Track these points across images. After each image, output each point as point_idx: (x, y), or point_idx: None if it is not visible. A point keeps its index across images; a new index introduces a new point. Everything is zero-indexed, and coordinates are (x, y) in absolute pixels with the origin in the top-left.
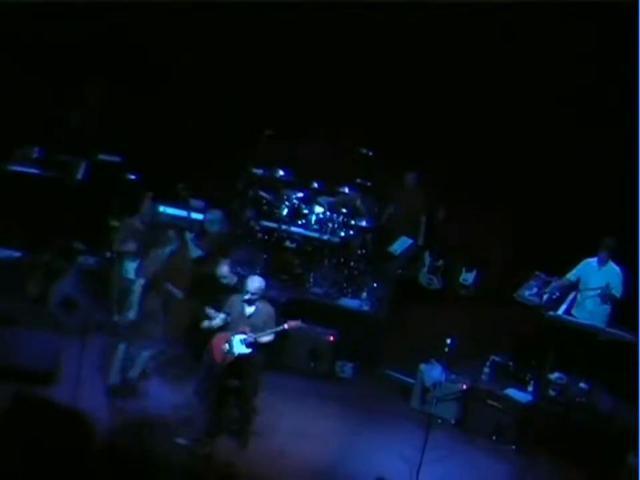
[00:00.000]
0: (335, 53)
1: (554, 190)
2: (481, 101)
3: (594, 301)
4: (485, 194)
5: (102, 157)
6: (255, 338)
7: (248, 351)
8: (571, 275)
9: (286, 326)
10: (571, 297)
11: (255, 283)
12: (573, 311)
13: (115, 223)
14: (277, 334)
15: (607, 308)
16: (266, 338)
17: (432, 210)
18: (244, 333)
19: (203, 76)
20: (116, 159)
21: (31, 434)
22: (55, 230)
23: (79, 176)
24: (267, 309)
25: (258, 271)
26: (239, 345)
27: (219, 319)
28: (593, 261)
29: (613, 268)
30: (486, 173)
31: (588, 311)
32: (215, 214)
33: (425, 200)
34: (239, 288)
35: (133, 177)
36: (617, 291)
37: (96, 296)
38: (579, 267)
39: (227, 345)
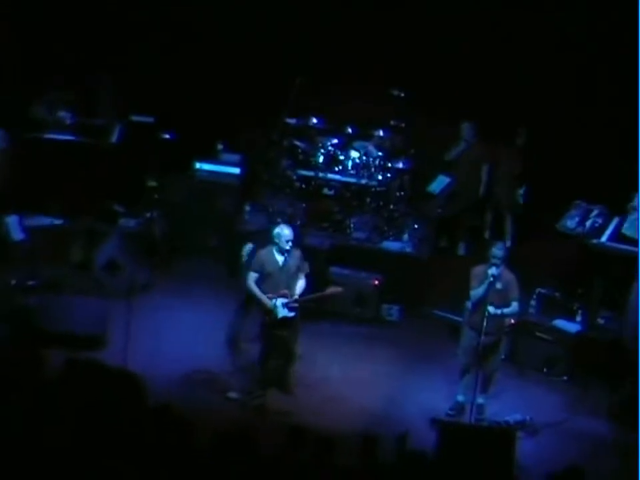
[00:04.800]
0: None
1: (598, 120)
2: (510, 40)
3: None
4: (522, 124)
5: (135, 118)
6: (296, 301)
7: (291, 314)
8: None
9: (327, 291)
10: (614, 223)
11: (287, 230)
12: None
13: (153, 183)
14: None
15: None
16: (305, 299)
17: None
18: (284, 296)
19: (231, 27)
20: (149, 119)
21: (85, 397)
22: (95, 194)
23: (114, 139)
24: (295, 252)
25: (298, 221)
26: (281, 308)
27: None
28: None
29: None
30: (521, 106)
31: None
32: None
33: (485, 152)
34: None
35: (167, 135)
36: None
37: (139, 257)
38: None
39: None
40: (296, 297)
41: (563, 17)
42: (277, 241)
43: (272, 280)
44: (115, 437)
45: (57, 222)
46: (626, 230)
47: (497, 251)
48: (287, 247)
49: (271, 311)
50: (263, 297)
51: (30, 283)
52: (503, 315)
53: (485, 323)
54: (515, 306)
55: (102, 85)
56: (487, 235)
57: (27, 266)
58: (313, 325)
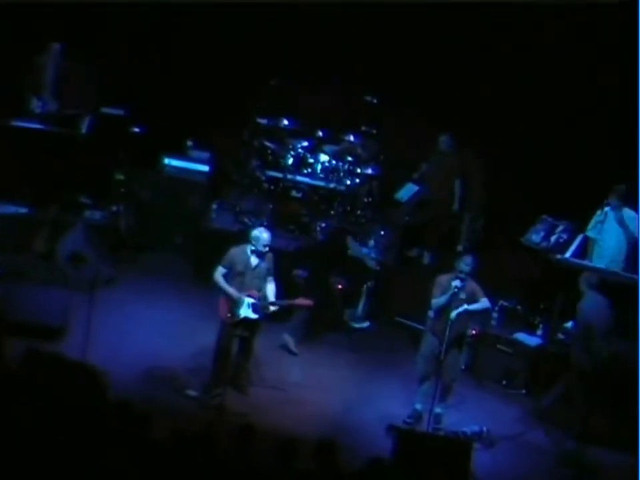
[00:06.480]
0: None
1: (560, 134)
2: (487, 46)
3: (614, 246)
4: (492, 137)
5: (105, 110)
6: (264, 305)
7: (255, 316)
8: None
9: (296, 301)
10: (578, 239)
11: (266, 234)
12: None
13: (120, 177)
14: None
15: (624, 252)
16: (274, 307)
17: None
18: (252, 296)
19: (206, 25)
20: (120, 111)
21: (43, 389)
22: (61, 185)
23: (83, 130)
24: (268, 255)
25: (265, 222)
26: (245, 309)
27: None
28: (608, 209)
29: (629, 214)
30: (492, 118)
31: (609, 259)
32: None
33: (459, 164)
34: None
35: (137, 129)
36: None
37: (103, 250)
38: (596, 219)
39: (233, 306)
40: (271, 299)
41: (541, 28)
42: (254, 243)
43: (241, 279)
44: (72, 429)
45: (22, 210)
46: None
47: (465, 265)
48: (264, 251)
49: (234, 310)
50: (230, 290)
51: None
52: (474, 311)
53: (447, 332)
54: (485, 301)
55: (74, 74)
56: (460, 247)
57: None
58: (274, 327)
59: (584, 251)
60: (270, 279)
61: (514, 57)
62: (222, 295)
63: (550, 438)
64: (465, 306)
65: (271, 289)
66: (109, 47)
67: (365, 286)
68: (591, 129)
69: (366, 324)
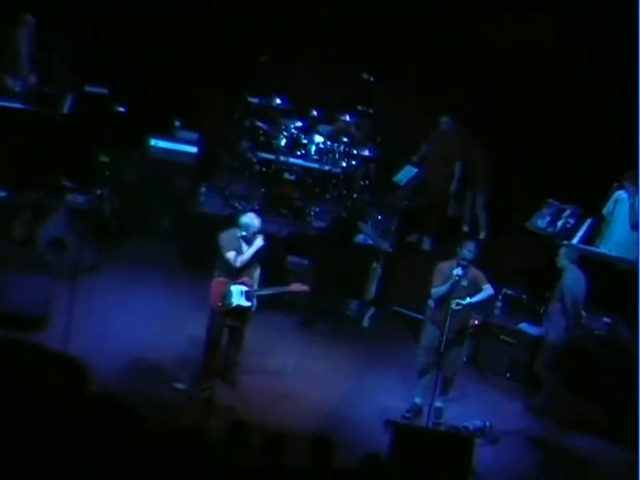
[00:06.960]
0: None
1: (567, 119)
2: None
3: (622, 231)
4: (497, 120)
5: (88, 88)
6: (256, 291)
7: (248, 304)
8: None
9: (292, 287)
10: (586, 225)
11: (256, 220)
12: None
13: (105, 159)
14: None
15: (635, 237)
16: (268, 292)
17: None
18: (244, 284)
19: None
20: (103, 90)
21: (23, 381)
22: (42, 167)
23: (65, 109)
24: (258, 242)
25: (256, 206)
26: (238, 297)
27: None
28: (622, 193)
29: None
30: (495, 100)
31: (615, 242)
32: None
33: (460, 145)
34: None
35: (122, 109)
36: None
37: (87, 236)
38: (612, 201)
39: (225, 294)
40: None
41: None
42: (243, 229)
43: (231, 265)
44: (53, 424)
45: (1, 194)
46: None
47: (467, 252)
48: (248, 235)
49: (225, 299)
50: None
51: None
52: (477, 303)
53: (448, 321)
54: (488, 288)
55: (56, 51)
56: (465, 227)
57: None
58: (268, 316)
59: (592, 236)
60: (257, 264)
61: (517, 35)
62: (215, 281)
63: (550, 434)
64: (468, 299)
65: (256, 275)
66: (90, 21)
67: (377, 268)
68: (598, 110)
69: (371, 311)
